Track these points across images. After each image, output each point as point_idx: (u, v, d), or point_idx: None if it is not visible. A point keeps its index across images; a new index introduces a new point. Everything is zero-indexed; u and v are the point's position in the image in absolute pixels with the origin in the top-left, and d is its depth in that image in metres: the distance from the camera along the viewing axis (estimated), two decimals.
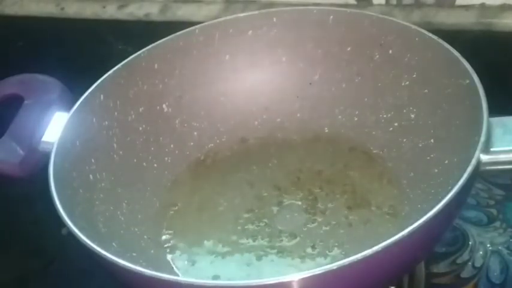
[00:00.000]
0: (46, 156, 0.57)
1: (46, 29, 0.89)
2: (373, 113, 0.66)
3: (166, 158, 0.66)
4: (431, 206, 0.46)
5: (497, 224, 0.65)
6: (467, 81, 0.55)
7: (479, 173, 0.50)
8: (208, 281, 0.47)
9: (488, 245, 0.63)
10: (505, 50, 0.74)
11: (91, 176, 0.59)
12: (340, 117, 0.67)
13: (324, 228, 0.59)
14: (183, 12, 0.84)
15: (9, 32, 0.90)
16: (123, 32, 0.86)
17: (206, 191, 0.65)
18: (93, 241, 0.49)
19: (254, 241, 0.59)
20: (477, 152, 0.49)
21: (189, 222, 0.62)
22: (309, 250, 0.58)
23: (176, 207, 0.63)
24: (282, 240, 0.59)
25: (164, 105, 0.67)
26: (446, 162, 0.56)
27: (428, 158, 0.59)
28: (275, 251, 0.58)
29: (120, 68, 0.64)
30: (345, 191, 0.62)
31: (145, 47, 0.66)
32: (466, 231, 0.65)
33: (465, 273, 0.62)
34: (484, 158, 0.50)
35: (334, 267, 0.44)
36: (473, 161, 0.49)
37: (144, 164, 0.65)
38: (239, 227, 0.60)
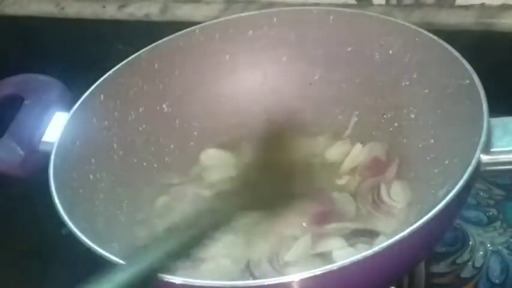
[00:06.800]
0: (46, 156, 0.57)
1: (46, 29, 0.89)
2: (373, 113, 0.66)
3: (166, 158, 0.66)
4: (432, 206, 0.46)
5: (497, 224, 0.65)
6: (467, 81, 0.55)
7: (480, 173, 0.50)
8: (208, 281, 0.47)
9: (488, 245, 0.63)
10: (505, 50, 0.74)
11: (91, 176, 0.59)
12: (340, 117, 0.67)
13: None
14: (183, 12, 0.84)
15: (9, 32, 0.90)
16: (123, 32, 0.86)
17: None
18: (93, 241, 0.49)
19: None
20: (477, 153, 0.49)
21: None
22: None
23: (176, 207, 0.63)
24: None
25: (164, 105, 0.67)
26: (447, 162, 0.56)
27: (428, 158, 0.59)
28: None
29: (120, 68, 0.64)
30: None
31: (145, 47, 0.66)
32: (466, 231, 0.65)
33: (465, 273, 0.62)
34: (484, 158, 0.50)
35: (335, 268, 0.44)
36: (474, 162, 0.49)
37: (144, 164, 0.65)
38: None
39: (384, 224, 0.58)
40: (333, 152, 0.65)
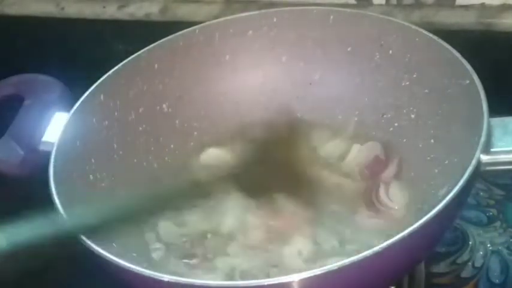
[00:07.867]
0: (46, 156, 0.57)
1: (46, 29, 0.89)
2: (373, 113, 0.66)
3: (166, 158, 0.66)
4: (432, 206, 0.46)
5: (497, 224, 0.65)
6: (467, 81, 0.55)
7: (480, 173, 0.50)
8: (208, 281, 0.47)
9: (488, 245, 0.64)
10: (505, 50, 0.74)
11: (91, 176, 0.59)
12: (340, 117, 0.67)
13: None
14: (183, 12, 0.84)
15: (9, 32, 0.90)
16: (123, 32, 0.86)
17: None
18: (93, 241, 0.49)
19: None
20: (477, 153, 0.49)
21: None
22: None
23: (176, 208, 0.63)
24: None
25: (164, 105, 0.67)
26: (447, 162, 0.56)
27: (428, 158, 0.59)
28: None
29: (120, 68, 0.64)
30: None
31: (145, 47, 0.66)
32: (466, 231, 0.65)
33: (465, 273, 0.62)
34: (484, 158, 0.50)
35: (335, 268, 0.44)
36: (474, 162, 0.49)
37: (144, 164, 0.65)
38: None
39: (382, 224, 0.58)
40: (333, 152, 0.65)
